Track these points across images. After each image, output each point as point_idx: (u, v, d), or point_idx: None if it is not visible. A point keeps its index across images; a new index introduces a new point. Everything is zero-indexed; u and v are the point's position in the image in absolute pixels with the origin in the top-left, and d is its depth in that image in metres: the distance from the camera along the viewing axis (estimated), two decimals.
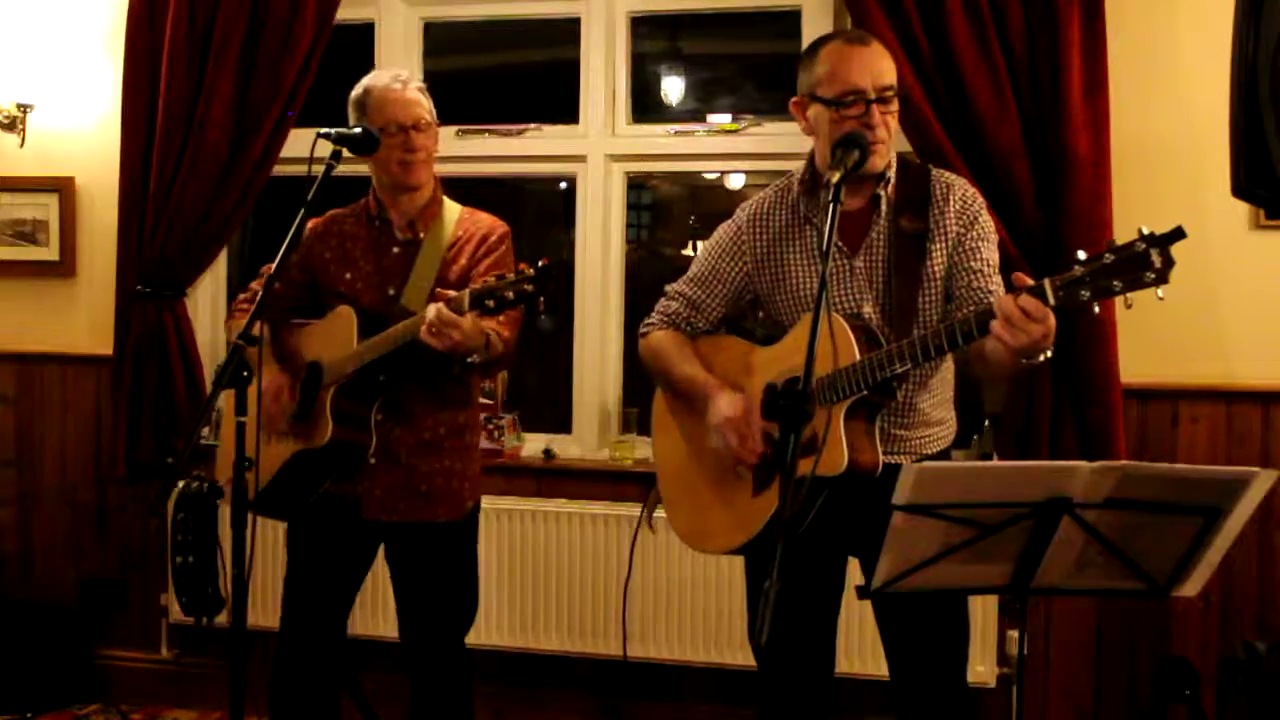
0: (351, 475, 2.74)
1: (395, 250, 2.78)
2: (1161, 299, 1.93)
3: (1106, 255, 1.93)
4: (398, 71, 2.83)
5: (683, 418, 2.57)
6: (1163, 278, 1.90)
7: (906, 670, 2.46)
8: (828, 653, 2.56)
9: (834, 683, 2.58)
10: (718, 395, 2.43)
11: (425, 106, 2.77)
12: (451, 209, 2.82)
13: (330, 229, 2.86)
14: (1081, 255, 1.96)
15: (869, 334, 2.32)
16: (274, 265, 2.53)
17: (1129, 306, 1.95)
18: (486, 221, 2.83)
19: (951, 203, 2.41)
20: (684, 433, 2.57)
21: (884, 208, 2.41)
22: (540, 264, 2.37)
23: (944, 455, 2.51)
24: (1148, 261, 1.90)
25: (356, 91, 2.78)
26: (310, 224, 2.84)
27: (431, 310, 2.44)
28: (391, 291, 2.75)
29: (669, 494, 2.62)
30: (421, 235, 2.77)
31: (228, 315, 2.99)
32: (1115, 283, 1.93)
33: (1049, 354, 2.10)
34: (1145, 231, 1.91)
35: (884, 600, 2.42)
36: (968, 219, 2.41)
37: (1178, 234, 1.89)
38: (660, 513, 2.67)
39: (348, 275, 2.79)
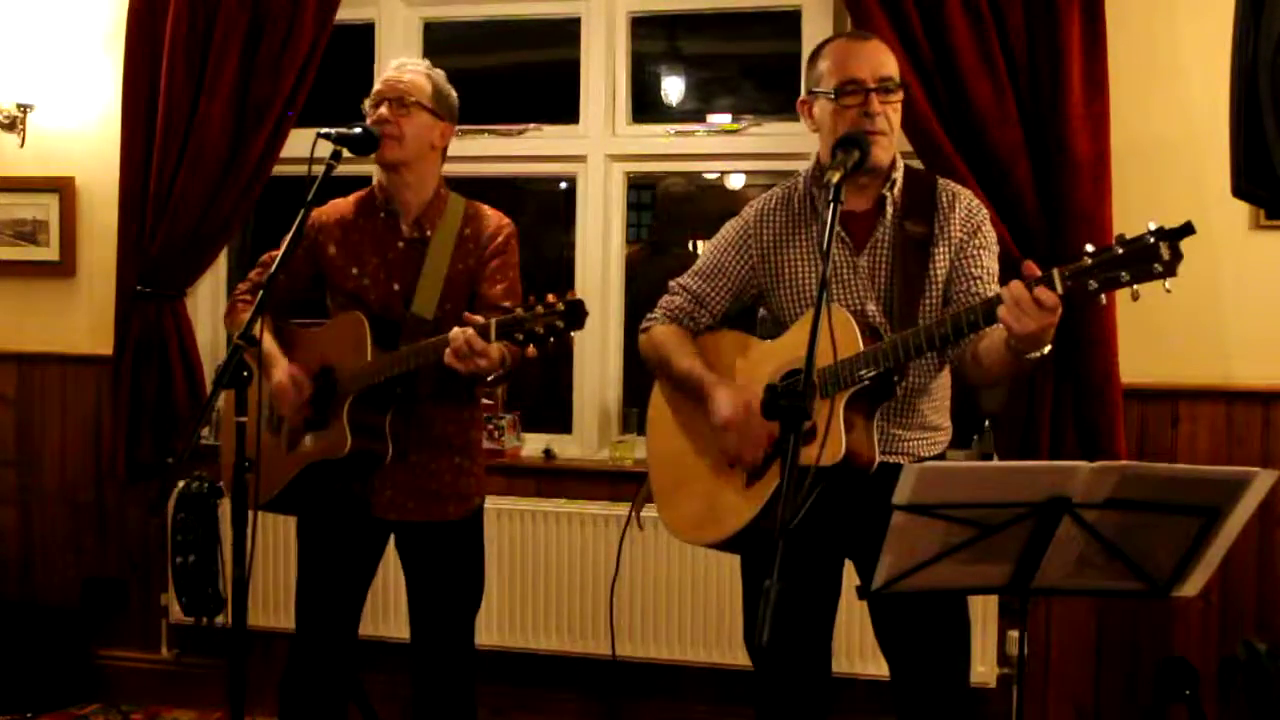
0: (365, 479, 2.75)
1: (401, 245, 2.77)
2: (1169, 291, 1.97)
3: (1116, 247, 1.98)
4: (424, 64, 2.83)
5: (680, 407, 2.59)
6: (1170, 270, 1.95)
7: (909, 673, 2.46)
8: (824, 653, 2.57)
9: (831, 683, 2.59)
10: (717, 393, 2.44)
11: (410, 86, 2.72)
12: (456, 204, 2.80)
13: (334, 218, 2.84)
14: (1090, 248, 2.01)
15: (872, 328, 2.34)
16: (276, 259, 2.52)
17: (1135, 299, 1.99)
18: (494, 220, 2.81)
19: (957, 210, 2.45)
20: (680, 422, 2.58)
21: (889, 209, 2.43)
22: (569, 297, 2.35)
23: (939, 459, 2.52)
24: (1156, 254, 1.95)
25: None
26: (312, 213, 2.80)
27: (460, 336, 2.41)
28: (397, 288, 2.74)
29: (661, 485, 2.62)
30: (429, 233, 2.76)
31: (228, 308, 2.97)
32: (1123, 274, 1.98)
33: (1046, 351, 2.12)
34: (1155, 225, 1.96)
35: (882, 602, 2.43)
36: (971, 227, 2.45)
37: (1187, 229, 1.95)
38: (649, 511, 2.68)
39: (354, 270, 2.78)
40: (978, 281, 2.40)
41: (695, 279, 2.61)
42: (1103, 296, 2.01)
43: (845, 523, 2.38)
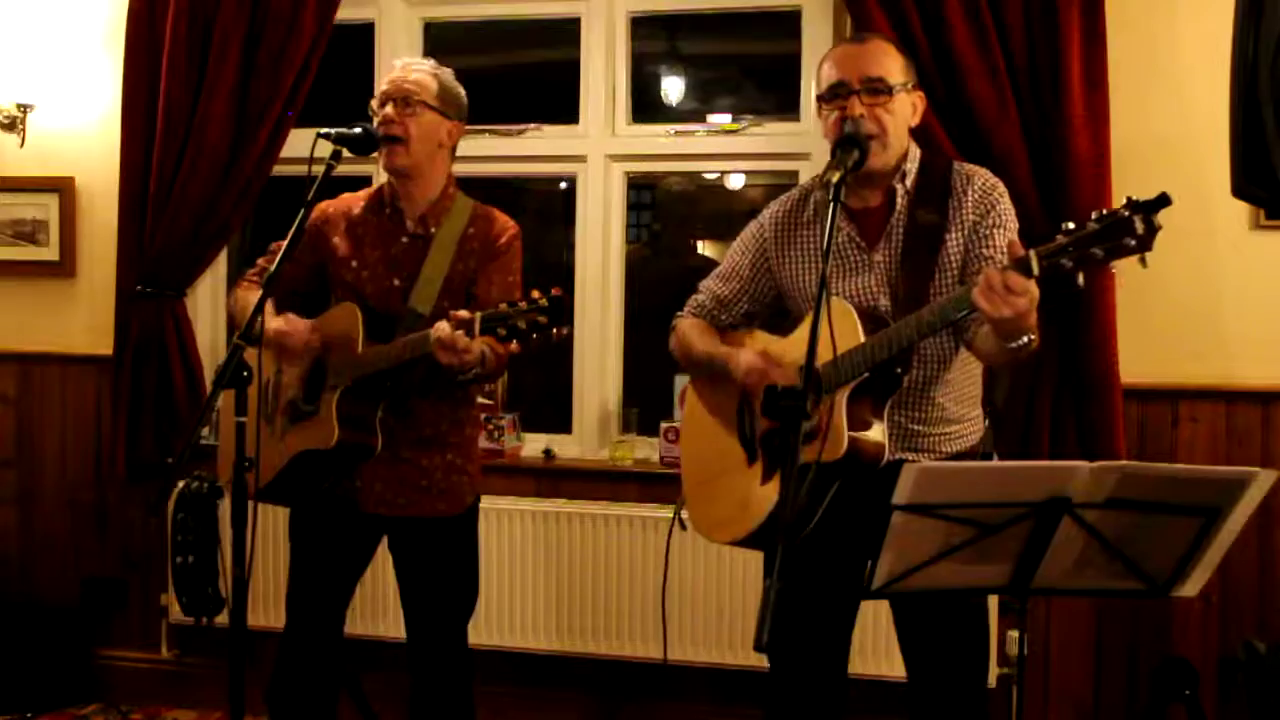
0: (355, 472, 2.74)
1: (404, 241, 2.77)
2: (1145, 267, 1.86)
3: (1091, 223, 1.90)
4: (430, 63, 2.82)
5: (705, 402, 2.60)
6: (1145, 244, 1.85)
7: (925, 676, 2.44)
8: (840, 656, 2.55)
9: (846, 685, 2.56)
10: (737, 353, 2.46)
11: (415, 85, 2.72)
12: (463, 205, 2.80)
13: (341, 210, 2.84)
14: (1070, 225, 1.93)
15: (875, 319, 2.31)
16: (281, 251, 2.51)
17: (1144, 265, 1.87)
18: (499, 222, 2.81)
19: (970, 192, 2.40)
20: (706, 422, 2.59)
21: (900, 202, 2.42)
22: (553, 293, 2.33)
23: (969, 455, 2.47)
24: (1130, 228, 1.85)
25: None
26: (320, 206, 2.81)
27: (445, 329, 2.40)
28: (397, 283, 2.74)
29: (689, 485, 2.65)
30: (433, 230, 2.75)
31: (234, 286, 2.94)
32: (1096, 250, 1.88)
33: (1032, 339, 2.07)
34: (1131, 198, 1.86)
35: (904, 604, 2.43)
36: (985, 206, 2.39)
37: (1163, 200, 1.84)
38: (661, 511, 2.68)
39: (354, 263, 2.78)
40: (990, 262, 2.33)
41: (716, 281, 2.65)
42: (1080, 277, 1.91)
43: (868, 524, 2.37)
